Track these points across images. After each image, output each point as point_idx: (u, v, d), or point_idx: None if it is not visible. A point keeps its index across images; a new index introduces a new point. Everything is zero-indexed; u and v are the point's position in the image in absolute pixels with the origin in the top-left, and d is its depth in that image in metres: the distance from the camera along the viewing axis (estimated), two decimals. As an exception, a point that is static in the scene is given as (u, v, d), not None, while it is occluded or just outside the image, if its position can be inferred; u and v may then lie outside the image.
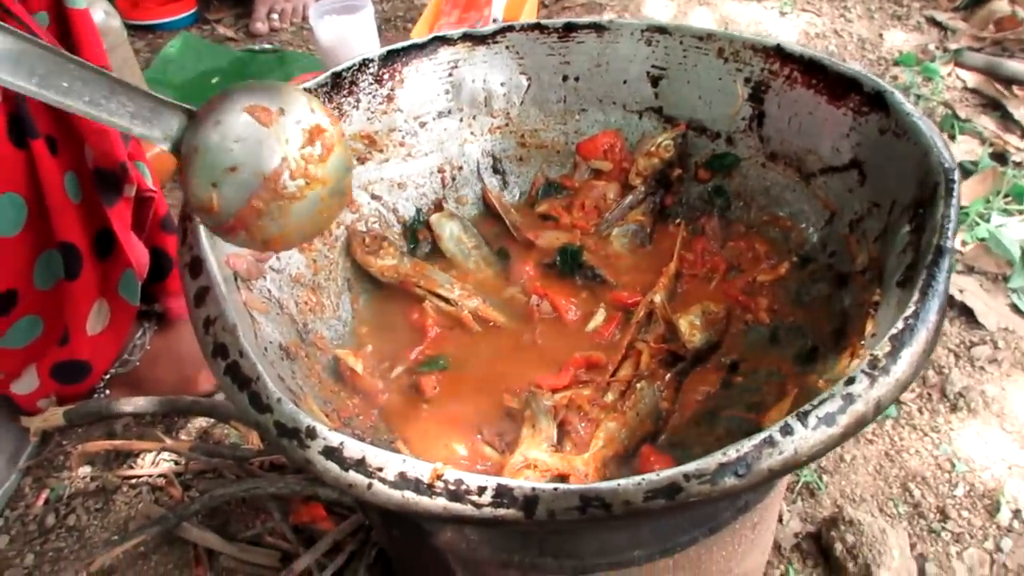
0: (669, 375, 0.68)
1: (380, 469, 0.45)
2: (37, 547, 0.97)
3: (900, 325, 0.48)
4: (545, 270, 0.79)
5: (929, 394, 1.13)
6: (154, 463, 1.03)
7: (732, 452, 0.44)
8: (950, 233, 0.53)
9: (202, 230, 0.58)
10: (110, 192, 0.87)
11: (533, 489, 0.43)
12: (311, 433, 0.46)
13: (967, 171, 1.47)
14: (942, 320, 0.50)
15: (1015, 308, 1.25)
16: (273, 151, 0.47)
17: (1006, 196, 1.41)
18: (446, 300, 0.74)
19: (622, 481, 0.43)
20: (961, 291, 1.25)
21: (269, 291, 0.65)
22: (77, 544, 0.97)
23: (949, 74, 1.74)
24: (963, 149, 1.52)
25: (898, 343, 0.47)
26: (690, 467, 0.43)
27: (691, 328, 0.70)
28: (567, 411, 0.64)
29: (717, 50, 0.78)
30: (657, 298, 0.72)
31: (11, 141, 0.80)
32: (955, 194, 0.56)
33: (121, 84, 0.46)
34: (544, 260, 0.80)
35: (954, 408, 1.11)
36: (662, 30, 0.80)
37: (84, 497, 1.01)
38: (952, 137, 1.55)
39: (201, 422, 1.09)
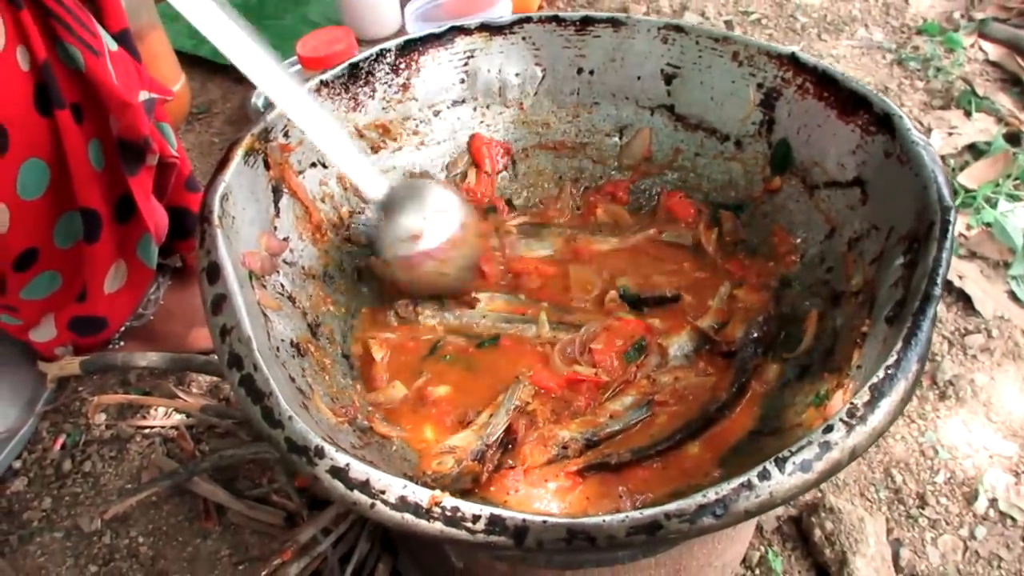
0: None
1: (383, 492, 0.48)
2: (55, 491, 1.02)
3: (881, 374, 0.50)
4: None
5: (920, 381, 1.15)
6: (166, 415, 1.07)
7: (711, 494, 0.47)
8: (939, 280, 0.55)
9: (219, 232, 0.60)
10: (132, 162, 0.89)
11: (524, 520, 0.46)
12: (319, 452, 0.49)
13: (980, 151, 1.47)
14: (922, 368, 0.52)
15: (1013, 296, 1.27)
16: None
17: (1016, 179, 1.41)
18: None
19: (607, 517, 0.46)
20: (961, 277, 1.27)
21: (282, 286, 0.68)
22: (92, 490, 1.02)
23: (972, 45, 1.72)
24: (978, 128, 1.52)
25: (877, 393, 0.50)
26: (671, 507, 0.46)
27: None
28: (522, 417, 0.67)
29: (732, 53, 0.78)
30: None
31: (37, 110, 0.81)
32: (949, 235, 0.58)
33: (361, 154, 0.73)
34: None
35: (943, 396, 1.14)
36: (679, 29, 0.80)
37: (99, 445, 1.06)
38: (968, 115, 1.54)
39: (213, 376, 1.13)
